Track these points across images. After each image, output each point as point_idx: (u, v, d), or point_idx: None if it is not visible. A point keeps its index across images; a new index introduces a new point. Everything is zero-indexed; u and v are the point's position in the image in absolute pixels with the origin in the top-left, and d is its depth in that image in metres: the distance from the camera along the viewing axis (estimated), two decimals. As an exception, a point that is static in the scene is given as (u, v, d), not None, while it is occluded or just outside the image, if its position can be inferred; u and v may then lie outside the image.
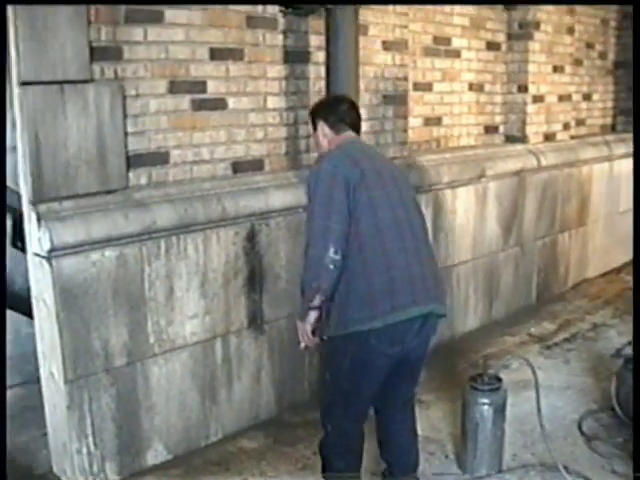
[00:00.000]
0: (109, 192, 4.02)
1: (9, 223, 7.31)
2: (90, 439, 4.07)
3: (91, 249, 3.87)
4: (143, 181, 4.19)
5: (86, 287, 3.87)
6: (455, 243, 6.19)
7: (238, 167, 4.63)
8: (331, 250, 3.25)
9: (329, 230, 3.28)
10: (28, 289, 7.55)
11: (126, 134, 4.07)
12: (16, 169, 7.49)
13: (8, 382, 5.34)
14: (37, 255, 3.83)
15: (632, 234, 4.78)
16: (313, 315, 3.39)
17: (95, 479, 4.14)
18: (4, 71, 5.53)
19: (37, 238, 3.76)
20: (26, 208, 3.85)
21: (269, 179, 4.68)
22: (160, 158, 4.25)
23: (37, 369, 5.52)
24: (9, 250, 6.85)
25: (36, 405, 4.99)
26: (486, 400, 4.16)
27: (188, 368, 4.41)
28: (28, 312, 6.05)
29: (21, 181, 3.84)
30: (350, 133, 3.71)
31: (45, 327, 3.94)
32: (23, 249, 6.97)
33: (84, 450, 4.06)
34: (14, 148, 7.32)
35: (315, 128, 3.80)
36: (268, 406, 4.89)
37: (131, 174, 4.12)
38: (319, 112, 3.81)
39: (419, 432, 4.57)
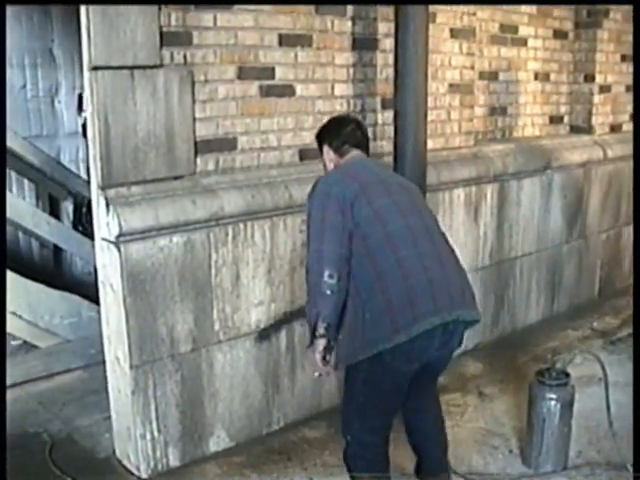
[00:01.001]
0: (177, 178, 4.01)
1: (70, 207, 7.43)
2: (154, 424, 4.07)
3: (159, 235, 3.86)
4: (210, 167, 4.17)
5: (153, 273, 3.86)
6: (519, 235, 6.10)
7: (305, 154, 4.58)
8: (326, 274, 3.11)
9: (323, 254, 3.16)
10: (89, 273, 7.69)
11: (194, 120, 4.05)
12: (78, 153, 7.65)
13: (71, 366, 5.40)
14: (105, 240, 3.83)
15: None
16: (321, 343, 3.22)
17: (157, 464, 4.14)
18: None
19: (105, 223, 3.76)
20: (95, 193, 3.84)
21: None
22: (228, 144, 4.22)
23: (98, 352, 5.59)
24: (70, 234, 6.94)
25: (98, 388, 5.05)
26: (553, 395, 4.08)
27: (252, 355, 4.40)
28: (88, 295, 6.14)
29: (90, 166, 3.83)
30: (356, 153, 3.59)
31: (111, 312, 3.95)
32: (84, 233, 7.10)
33: (148, 435, 4.06)
34: (76, 133, 7.48)
35: (321, 152, 3.69)
36: (330, 395, 4.85)
37: (199, 160, 4.10)
38: (323, 137, 3.69)
39: (481, 425, 4.60)
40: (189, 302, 4.04)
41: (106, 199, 3.75)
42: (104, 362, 5.24)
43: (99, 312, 5.94)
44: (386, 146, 4.97)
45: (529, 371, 5.15)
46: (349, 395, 3.42)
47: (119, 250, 3.74)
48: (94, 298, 6.08)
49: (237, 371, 4.36)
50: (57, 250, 7.65)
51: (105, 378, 4.54)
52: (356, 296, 3.18)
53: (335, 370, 3.40)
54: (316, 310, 3.17)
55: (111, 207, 3.72)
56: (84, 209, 7.39)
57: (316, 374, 3.41)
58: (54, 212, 7.42)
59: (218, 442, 4.39)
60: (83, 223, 7.43)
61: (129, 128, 3.78)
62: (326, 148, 3.63)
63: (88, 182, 7.24)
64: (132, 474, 4.17)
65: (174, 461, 4.22)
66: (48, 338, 6.04)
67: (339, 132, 3.62)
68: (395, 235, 3.19)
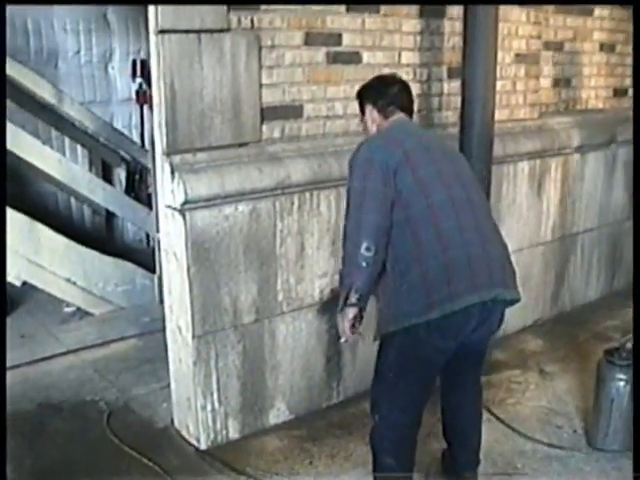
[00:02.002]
0: (242, 145, 3.92)
1: (123, 174, 7.40)
2: (215, 396, 4.02)
3: (224, 203, 3.78)
4: (276, 135, 4.07)
5: (218, 241, 3.78)
6: (581, 210, 5.96)
7: (371, 123, 4.45)
8: (363, 246, 2.97)
9: (362, 223, 3.02)
10: (140, 240, 7.68)
11: (261, 85, 3.95)
12: (131, 120, 7.60)
13: (125, 334, 5.37)
14: (169, 207, 3.75)
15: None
16: (351, 312, 3.09)
17: (217, 436, 4.09)
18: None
19: (170, 190, 3.68)
20: (159, 159, 3.76)
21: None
22: (294, 111, 4.12)
23: (152, 321, 5.58)
24: (125, 200, 6.89)
25: (153, 357, 5.04)
26: (623, 376, 3.95)
27: (314, 327, 4.32)
28: (141, 262, 6.10)
29: (155, 132, 3.75)
30: (401, 116, 3.39)
31: (174, 281, 3.87)
32: (137, 198, 7.06)
33: (208, 407, 4.01)
34: (129, 100, 7.42)
35: (363, 112, 3.50)
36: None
37: (264, 127, 4.01)
38: (367, 95, 3.49)
39: (544, 404, 4.50)
40: (253, 272, 3.96)
41: (171, 166, 3.67)
42: (159, 331, 5.27)
43: (153, 280, 5.99)
44: (451, 116, 4.85)
45: (590, 349, 5.07)
46: (379, 372, 3.30)
47: (184, 218, 3.66)
48: (146, 265, 6.11)
49: (299, 343, 4.29)
50: (109, 217, 7.63)
51: (160, 347, 4.52)
52: (395, 265, 3.06)
53: (373, 341, 3.27)
54: (350, 280, 3.05)
55: (176, 174, 3.64)
56: (137, 176, 7.37)
57: (342, 339, 3.28)
58: (106, 179, 7.40)
59: (278, 415, 4.33)
60: (136, 190, 7.41)
61: (195, 93, 3.69)
62: (369, 107, 3.44)
63: (142, 149, 7.33)
64: (191, 445, 4.12)
65: (233, 433, 4.16)
66: (102, 305, 6.05)
67: (385, 92, 3.43)
68: (437, 206, 3.05)
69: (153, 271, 6.23)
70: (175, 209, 3.69)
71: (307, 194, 4.08)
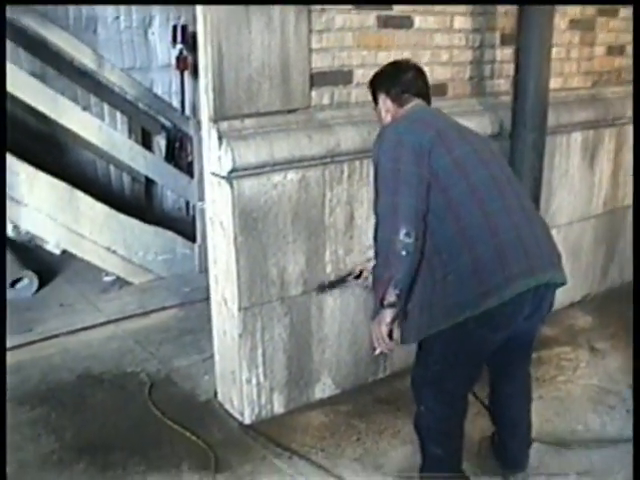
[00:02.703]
0: (290, 111, 3.78)
1: (163, 142, 7.30)
2: (260, 369, 3.92)
3: (273, 171, 3.66)
4: (325, 101, 3.92)
5: (266, 210, 3.67)
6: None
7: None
8: (402, 232, 2.73)
9: (398, 208, 2.78)
10: (179, 208, 7.60)
11: (310, 50, 3.80)
12: (171, 87, 7.48)
13: (165, 304, 5.30)
14: (216, 175, 3.63)
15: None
16: (389, 314, 2.85)
17: (262, 410, 4.01)
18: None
19: (217, 157, 3.56)
20: (206, 126, 3.63)
21: (452, 105, 4.32)
22: (343, 77, 3.97)
23: (192, 290, 5.51)
24: (165, 168, 6.79)
25: (194, 328, 4.98)
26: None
27: (362, 301, 4.18)
28: (180, 231, 6.02)
29: (201, 97, 3.63)
30: (417, 102, 3.19)
31: (220, 251, 3.77)
32: (177, 166, 6.97)
33: (253, 380, 3.91)
34: (169, 66, 7.30)
35: (376, 102, 3.33)
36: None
37: (313, 93, 3.86)
38: (379, 84, 3.30)
39: (595, 382, 4.42)
40: (301, 243, 3.84)
41: (218, 132, 3.55)
42: (199, 301, 5.23)
43: (193, 249, 5.91)
44: (503, 85, 4.69)
45: (640, 325, 4.92)
46: (423, 363, 3.12)
47: (231, 186, 3.54)
48: (186, 234, 6.02)
49: (346, 316, 4.17)
50: (148, 185, 7.55)
51: (201, 318, 4.52)
52: (434, 256, 2.84)
53: (403, 343, 3.06)
54: (389, 274, 2.79)
55: (224, 140, 3.52)
56: (177, 144, 7.27)
57: (377, 351, 3.03)
58: (146, 146, 7.30)
59: (324, 389, 4.23)
60: (176, 158, 7.32)
61: (243, 58, 3.55)
62: (382, 97, 3.25)
63: (183, 115, 7.22)
64: (235, 419, 4.04)
65: (278, 408, 4.07)
66: (141, 274, 5.99)
67: (398, 79, 3.23)
68: (479, 186, 2.86)
69: (193, 240, 6.15)
70: (222, 177, 3.57)
71: (357, 162, 3.94)
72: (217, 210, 3.71)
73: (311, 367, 4.14)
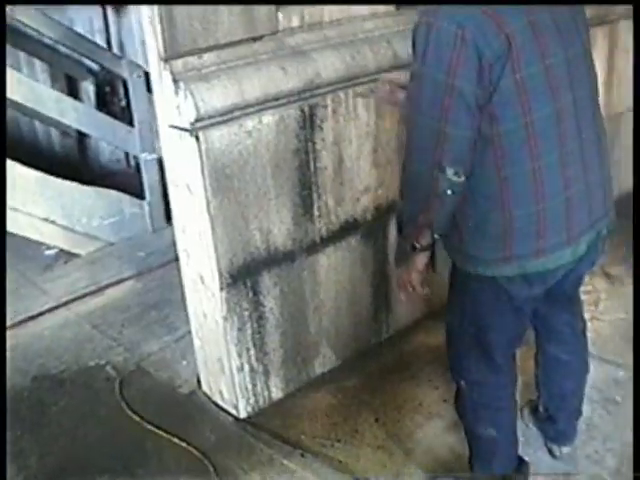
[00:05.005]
0: (255, 39, 3.07)
1: (91, 88, 6.55)
2: (252, 352, 3.31)
3: (245, 114, 2.97)
4: (295, 23, 3.22)
5: (242, 164, 2.99)
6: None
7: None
8: (450, 171, 2.11)
9: (447, 140, 2.09)
10: (117, 159, 6.89)
11: (276, -39, 3.08)
12: (92, 24, 6.68)
13: (120, 275, 4.71)
14: (176, 128, 2.93)
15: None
16: (421, 260, 2.35)
17: (258, 399, 3.42)
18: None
19: (175, 106, 2.87)
20: (155, 67, 2.92)
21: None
22: (313, -9, 3.26)
23: (148, 255, 4.90)
24: (100, 118, 6.04)
25: (158, 301, 4.43)
26: None
27: (358, 254, 3.61)
28: (121, 187, 5.36)
29: (146, 31, 2.89)
30: None
31: (190, 219, 3.09)
32: (110, 113, 6.25)
33: (246, 367, 3.31)
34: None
35: None
36: (441, 287, 4.09)
37: (280, 14, 3.15)
38: None
39: (623, 316, 3.98)
40: (285, 198, 3.19)
41: (172, 74, 2.85)
42: (158, 267, 4.72)
43: (142, 207, 5.24)
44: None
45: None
46: (455, 326, 2.64)
47: (197, 139, 2.85)
48: (130, 190, 5.37)
49: (343, 275, 3.57)
50: (80, 138, 6.80)
51: (164, 287, 4.27)
52: (469, 195, 2.23)
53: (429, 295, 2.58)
54: (425, 216, 2.22)
55: (181, 84, 2.83)
56: (107, 88, 6.54)
57: (403, 297, 2.55)
58: (73, 94, 6.55)
59: (324, 362, 3.65)
60: (108, 104, 6.60)
61: (194, -22, 2.82)
62: None
63: (113, 55, 6.45)
64: (228, 413, 3.42)
65: (277, 393, 3.49)
66: (87, 243, 5.33)
67: None
68: (539, 128, 2.14)
69: (141, 197, 5.46)
70: (184, 129, 2.89)
71: (341, 94, 3.27)
72: (181, 170, 3.03)
73: (308, 340, 3.55)
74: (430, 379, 3.55)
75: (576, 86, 2.23)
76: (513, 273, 2.27)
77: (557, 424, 3.04)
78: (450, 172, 2.11)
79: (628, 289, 4.19)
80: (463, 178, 2.14)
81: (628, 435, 3.07)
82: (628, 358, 3.57)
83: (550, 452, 3.08)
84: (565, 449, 3.06)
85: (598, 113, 2.40)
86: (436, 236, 2.29)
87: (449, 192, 2.15)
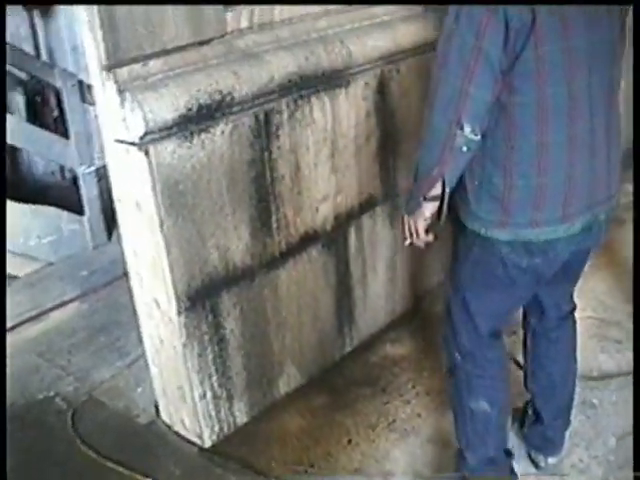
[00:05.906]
0: (203, 42, 2.86)
1: (21, 99, 6.24)
2: (214, 378, 3.11)
3: (196, 125, 2.77)
4: (244, 24, 3.02)
5: (196, 179, 2.79)
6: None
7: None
8: (468, 128, 2.20)
9: (469, 99, 2.18)
10: (52, 172, 6.58)
11: (218, -41, 2.87)
12: (19, 30, 6.35)
13: (63, 297, 4.54)
14: (123, 142, 2.71)
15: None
16: (430, 208, 2.42)
17: (223, 426, 3.23)
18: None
19: (121, 119, 2.64)
20: (97, 77, 2.69)
21: (393, 10, 3.53)
22: (262, -11, 3.06)
23: (91, 274, 4.70)
24: (32, 131, 5.75)
25: (105, 323, 4.23)
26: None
27: (320, 265, 3.44)
28: (58, 202, 5.11)
29: (85, 38, 2.65)
30: None
31: (142, 240, 2.87)
32: (42, 124, 5.97)
33: (208, 394, 3.11)
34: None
35: None
36: (402, 296, 3.98)
37: (229, 16, 2.94)
38: None
39: (590, 313, 3.89)
40: (242, 212, 3.00)
41: (117, 83, 2.62)
42: (103, 286, 4.61)
43: (82, 223, 5.00)
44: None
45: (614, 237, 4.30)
46: (451, 297, 2.69)
47: (147, 154, 2.64)
48: (67, 205, 5.15)
49: (305, 289, 3.40)
50: (11, 152, 6.47)
51: (110, 308, 4.17)
52: (478, 158, 2.35)
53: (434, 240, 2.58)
54: (440, 169, 2.30)
55: (127, 94, 2.61)
56: (38, 98, 6.23)
57: (407, 242, 2.60)
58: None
59: (289, 382, 3.47)
60: (39, 116, 6.29)
61: (135, -21, 2.60)
62: None
63: (42, 63, 6.14)
64: (192, 443, 3.21)
65: (242, 417, 3.29)
66: (25, 264, 5.06)
67: None
68: (550, 105, 2.22)
69: (79, 212, 5.21)
70: (132, 143, 2.67)
71: (297, 97, 3.09)
72: (129, 187, 2.81)
73: (272, 359, 3.37)
74: (401, 393, 3.41)
75: (595, 73, 2.27)
76: (507, 238, 2.36)
77: (545, 427, 2.95)
78: (468, 129, 2.21)
79: (593, 283, 4.06)
80: (479, 136, 2.23)
81: (611, 441, 3.01)
82: (601, 358, 3.53)
83: (534, 463, 2.99)
84: (551, 459, 2.98)
85: (615, 105, 2.42)
86: (447, 189, 2.34)
87: (464, 149, 2.25)
